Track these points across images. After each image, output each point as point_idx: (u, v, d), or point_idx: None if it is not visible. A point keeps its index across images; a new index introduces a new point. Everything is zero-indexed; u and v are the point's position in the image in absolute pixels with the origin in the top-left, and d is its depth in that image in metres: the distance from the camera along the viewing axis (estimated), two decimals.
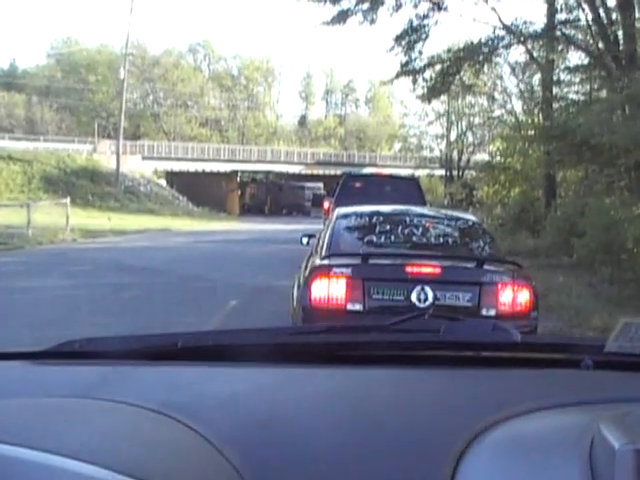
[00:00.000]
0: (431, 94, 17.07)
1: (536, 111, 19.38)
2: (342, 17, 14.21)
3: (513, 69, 22.09)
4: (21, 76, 52.19)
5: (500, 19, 14.07)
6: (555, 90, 16.80)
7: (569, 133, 11.89)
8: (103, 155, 36.66)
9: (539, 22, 14.37)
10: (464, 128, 34.38)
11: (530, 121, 19.57)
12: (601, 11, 12.40)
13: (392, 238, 4.86)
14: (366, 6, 13.99)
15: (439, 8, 14.27)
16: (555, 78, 16.65)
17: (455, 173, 33.67)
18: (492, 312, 4.01)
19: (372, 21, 14.18)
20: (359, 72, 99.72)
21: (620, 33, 12.16)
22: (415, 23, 14.46)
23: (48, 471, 0.59)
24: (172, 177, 41.35)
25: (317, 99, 64.60)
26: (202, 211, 35.31)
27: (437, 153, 37.32)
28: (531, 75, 20.95)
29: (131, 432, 0.77)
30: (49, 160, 33.82)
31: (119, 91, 36.18)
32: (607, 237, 9.60)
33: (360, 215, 5.13)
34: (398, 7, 14.18)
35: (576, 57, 16.23)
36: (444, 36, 19.01)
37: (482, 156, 28.88)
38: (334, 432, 0.80)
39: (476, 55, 15.15)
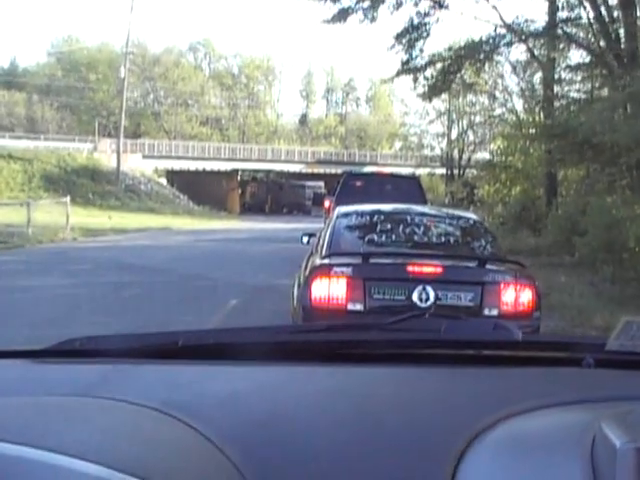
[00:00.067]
0: (432, 92, 17.08)
1: (537, 109, 19.38)
2: (343, 15, 14.21)
3: (514, 67, 22.12)
4: (22, 75, 52.19)
5: (501, 17, 14.08)
6: (556, 88, 16.80)
7: (570, 132, 11.88)
8: (104, 154, 36.67)
9: (540, 20, 14.38)
10: (465, 127, 34.42)
11: (531, 119, 19.57)
12: (602, 9, 12.39)
13: (393, 237, 4.85)
14: (367, 4, 13.99)
15: (440, 6, 14.27)
16: (556, 76, 16.64)
17: (456, 172, 33.69)
18: (494, 312, 3.98)
19: (373, 19, 14.19)
20: (360, 70, 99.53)
21: (622, 31, 12.15)
22: (416, 21, 14.46)
23: (48, 470, 0.59)
24: (173, 176, 41.37)
25: (318, 98, 64.63)
26: (203, 210, 35.32)
27: (438, 152, 37.40)
28: (532, 73, 20.98)
29: (131, 431, 0.77)
30: (49, 159, 33.83)
31: (120, 90, 36.17)
32: (609, 236, 9.59)
33: (361, 214, 5.10)
34: (399, 5, 14.18)
35: (577, 55, 16.26)
36: (445, 34, 19.10)
37: (483, 155, 28.92)
38: (335, 430, 0.80)
39: (477, 53, 15.15)
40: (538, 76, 19.50)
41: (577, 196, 14.91)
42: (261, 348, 1.09)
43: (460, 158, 33.90)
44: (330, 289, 4.00)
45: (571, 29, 14.31)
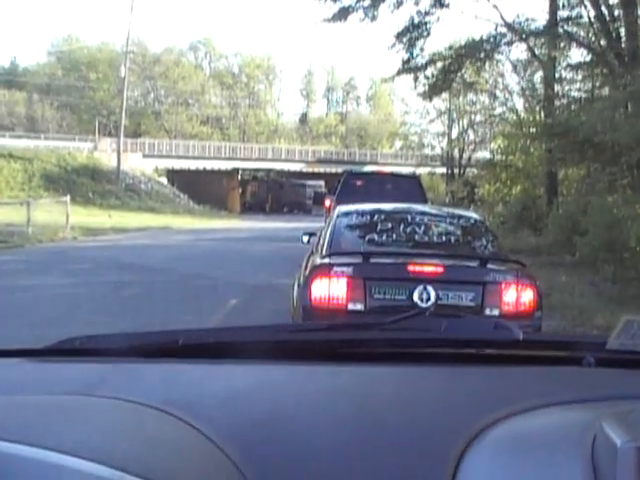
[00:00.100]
0: (432, 92, 17.08)
1: (538, 109, 19.37)
2: (343, 14, 14.20)
3: (515, 66, 22.11)
4: (22, 74, 52.20)
5: (502, 16, 14.08)
6: (557, 87, 16.79)
7: (571, 131, 11.86)
8: (104, 153, 36.67)
9: (541, 19, 14.38)
10: (465, 126, 34.40)
11: (532, 119, 19.54)
12: (603, 8, 12.38)
13: (394, 237, 4.83)
14: (367, 3, 13.98)
15: (440, 5, 14.26)
16: (557, 75, 16.63)
17: (456, 171, 33.67)
18: (495, 312, 3.96)
19: (373, 18, 14.18)
20: (360, 70, 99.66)
21: (622, 30, 12.14)
22: (416, 20, 14.45)
23: (48, 469, 0.59)
24: (173, 175, 41.37)
25: (318, 97, 64.66)
26: (203, 209, 35.34)
27: (438, 151, 37.40)
28: (533, 72, 20.96)
29: (132, 429, 0.77)
30: (50, 158, 33.82)
31: (120, 89, 36.16)
32: (610, 235, 9.58)
33: (361, 213, 5.09)
34: (399, 4, 14.17)
35: (578, 54, 16.23)
36: (445, 33, 19.08)
37: (483, 154, 28.94)
38: (335, 429, 0.80)
39: (477, 52, 15.15)
40: (539, 75, 19.49)
41: (578, 195, 14.90)
42: (261, 347, 1.09)
43: (460, 157, 33.89)
44: (330, 289, 3.98)
45: (572, 28, 14.31)
